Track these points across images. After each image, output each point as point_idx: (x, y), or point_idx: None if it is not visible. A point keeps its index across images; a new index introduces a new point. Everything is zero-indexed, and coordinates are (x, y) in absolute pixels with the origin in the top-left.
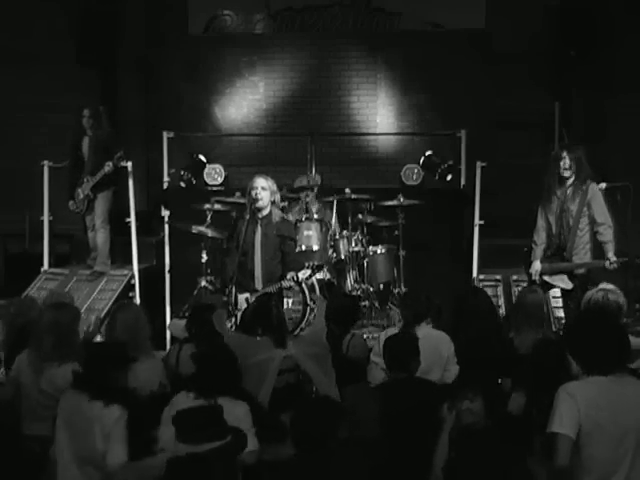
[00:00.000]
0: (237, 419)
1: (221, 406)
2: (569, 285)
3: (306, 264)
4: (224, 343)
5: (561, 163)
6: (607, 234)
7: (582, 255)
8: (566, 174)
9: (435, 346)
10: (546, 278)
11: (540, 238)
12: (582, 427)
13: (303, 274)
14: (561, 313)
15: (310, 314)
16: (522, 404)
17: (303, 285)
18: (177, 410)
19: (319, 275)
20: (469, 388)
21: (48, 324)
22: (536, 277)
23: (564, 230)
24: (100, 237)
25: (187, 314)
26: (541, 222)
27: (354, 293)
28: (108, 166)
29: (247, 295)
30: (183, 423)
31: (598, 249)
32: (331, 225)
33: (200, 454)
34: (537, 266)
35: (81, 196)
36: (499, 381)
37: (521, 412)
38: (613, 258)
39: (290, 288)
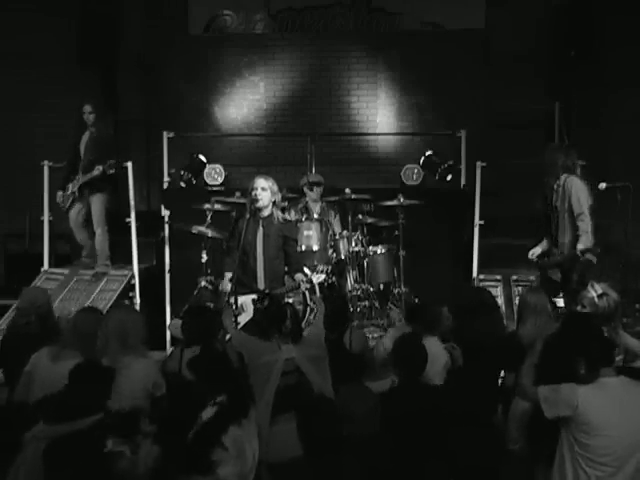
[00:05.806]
0: None
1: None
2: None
3: (320, 268)
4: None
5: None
6: (582, 225)
7: (568, 248)
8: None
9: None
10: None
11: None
12: (579, 425)
13: (317, 278)
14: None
15: (310, 314)
16: None
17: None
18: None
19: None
20: None
21: (73, 325)
22: (532, 257)
23: (554, 225)
24: (98, 239)
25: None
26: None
27: (353, 293)
28: (97, 170)
29: (253, 297)
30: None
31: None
32: (332, 225)
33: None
34: (536, 249)
35: (69, 192)
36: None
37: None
38: (580, 247)
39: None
